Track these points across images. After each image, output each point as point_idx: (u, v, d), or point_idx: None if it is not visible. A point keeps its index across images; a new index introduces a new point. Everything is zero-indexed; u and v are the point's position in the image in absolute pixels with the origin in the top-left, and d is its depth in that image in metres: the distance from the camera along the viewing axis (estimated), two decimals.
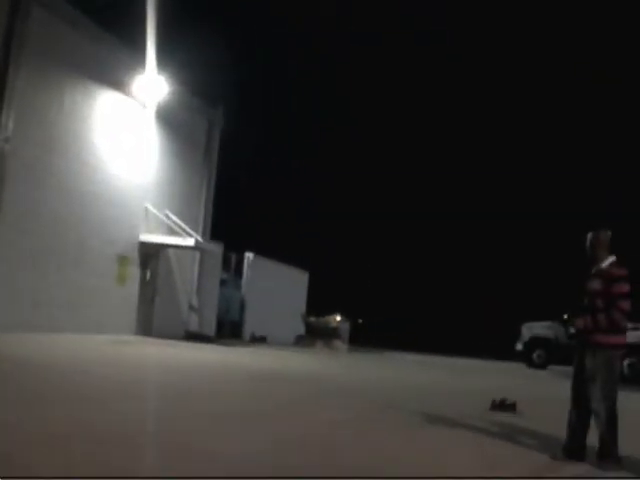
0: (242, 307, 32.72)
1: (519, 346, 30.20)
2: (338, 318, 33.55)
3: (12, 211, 18.31)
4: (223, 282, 31.15)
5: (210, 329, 28.76)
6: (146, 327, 24.57)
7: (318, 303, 38.26)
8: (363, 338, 35.31)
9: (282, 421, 8.30)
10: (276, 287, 35.05)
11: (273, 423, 8.06)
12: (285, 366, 18.12)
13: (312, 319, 34.45)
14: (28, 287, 18.99)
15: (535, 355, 29.64)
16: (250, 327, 32.55)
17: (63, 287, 20.41)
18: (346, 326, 33.81)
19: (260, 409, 9.04)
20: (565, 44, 51.17)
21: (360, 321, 37.48)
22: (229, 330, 31.49)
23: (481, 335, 39.51)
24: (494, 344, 34.55)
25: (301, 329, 34.18)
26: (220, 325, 30.66)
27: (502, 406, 11.35)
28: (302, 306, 38.65)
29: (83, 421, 6.89)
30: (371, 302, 45.09)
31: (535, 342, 29.67)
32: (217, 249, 28.93)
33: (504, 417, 10.19)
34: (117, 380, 10.79)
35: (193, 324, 27.49)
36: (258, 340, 31.25)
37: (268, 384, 12.66)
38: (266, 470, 5.60)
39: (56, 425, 6.56)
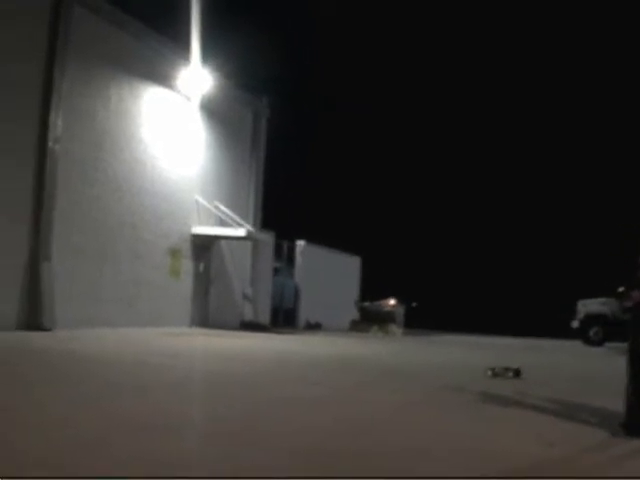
0: (296, 295, 32.81)
1: (575, 324, 29.72)
2: (392, 302, 33.30)
3: (66, 210, 18.56)
4: (276, 271, 31.25)
5: (265, 318, 28.94)
6: (202, 319, 24.83)
7: (371, 288, 38.10)
8: (418, 321, 35.02)
9: (342, 405, 8.31)
10: (329, 273, 35.06)
11: (333, 407, 8.08)
12: (341, 352, 18.09)
13: (366, 304, 34.28)
14: (85, 284, 19.27)
15: (591, 332, 29.13)
16: (305, 314, 32.64)
17: (119, 282, 20.70)
18: (401, 310, 33.55)
19: (319, 394, 9.01)
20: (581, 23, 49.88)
21: (414, 304, 37.16)
22: (284, 318, 31.62)
23: (536, 314, 38.96)
24: (550, 323, 34.03)
25: (355, 315, 34.12)
26: (275, 313, 30.81)
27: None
28: (355, 291, 38.65)
29: (160, 409, 6.94)
30: (425, 285, 44.75)
31: (591, 319, 29.17)
32: (268, 238, 29.06)
33: (560, 395, 9.98)
34: (177, 370, 10.90)
35: (248, 314, 27.65)
36: (313, 327, 31.31)
37: (326, 370, 12.64)
38: (332, 457, 5.54)
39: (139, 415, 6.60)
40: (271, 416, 7.25)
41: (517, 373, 12.33)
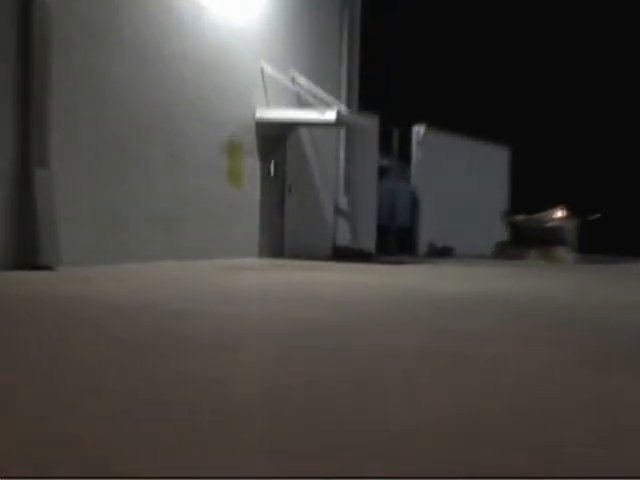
0: (414, 206, 32.80)
1: None
2: (559, 214, 32.67)
3: (68, 92, 18.18)
4: (383, 171, 31.07)
5: (369, 242, 29.12)
6: (275, 245, 25.10)
7: (527, 194, 37.52)
8: (599, 243, 34.23)
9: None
10: (462, 173, 34.88)
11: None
12: (486, 289, 17.47)
13: (520, 218, 33.70)
14: (101, 201, 19.17)
15: None
16: (427, 236, 32.56)
17: (152, 196, 20.68)
18: (572, 226, 32.89)
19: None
20: None
21: (596, 217, 36.43)
22: (396, 241, 31.53)
23: None
24: None
25: (503, 234, 33.56)
26: (383, 235, 30.81)
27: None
28: (503, 200, 38.43)
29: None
30: (607, 189, 43.83)
31: None
32: (371, 123, 28.77)
33: None
34: (243, 323, 10.64)
35: (343, 236, 27.81)
36: (441, 253, 31.24)
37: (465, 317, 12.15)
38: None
39: None
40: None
41: None
